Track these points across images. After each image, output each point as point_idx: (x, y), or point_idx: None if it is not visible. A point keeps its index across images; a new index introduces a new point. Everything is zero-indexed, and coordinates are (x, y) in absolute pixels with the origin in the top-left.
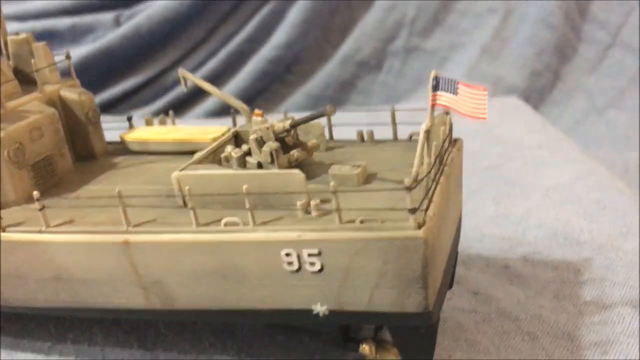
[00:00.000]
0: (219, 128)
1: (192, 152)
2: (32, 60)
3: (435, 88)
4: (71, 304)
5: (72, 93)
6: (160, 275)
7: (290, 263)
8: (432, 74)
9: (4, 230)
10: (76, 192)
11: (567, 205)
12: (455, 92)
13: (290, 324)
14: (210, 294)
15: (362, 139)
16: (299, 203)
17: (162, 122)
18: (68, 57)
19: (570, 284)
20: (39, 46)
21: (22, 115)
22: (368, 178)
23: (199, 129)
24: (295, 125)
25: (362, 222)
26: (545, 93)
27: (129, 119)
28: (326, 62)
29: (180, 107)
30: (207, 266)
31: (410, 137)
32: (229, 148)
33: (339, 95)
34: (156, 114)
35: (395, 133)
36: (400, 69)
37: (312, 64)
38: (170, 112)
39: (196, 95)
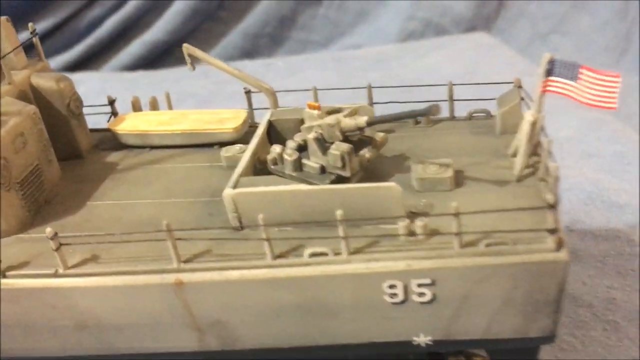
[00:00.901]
0: (233, 112)
1: (207, 145)
2: None
3: (549, 73)
4: (99, 351)
5: (47, 80)
6: (221, 315)
7: (393, 295)
8: (547, 57)
9: (4, 275)
10: (79, 212)
11: (590, 161)
12: (575, 78)
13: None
14: (286, 331)
15: (416, 121)
16: (401, 224)
17: (153, 106)
18: (34, 32)
19: (628, 257)
20: (1, 21)
21: None
22: (457, 178)
23: (208, 114)
24: (373, 124)
25: (488, 245)
26: (491, 21)
27: (111, 103)
28: None
29: (101, 55)
30: (285, 303)
31: (471, 115)
32: (276, 148)
33: (279, 32)
34: (72, 65)
35: (452, 111)
36: (342, 2)
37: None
38: (167, 94)
39: (116, 40)
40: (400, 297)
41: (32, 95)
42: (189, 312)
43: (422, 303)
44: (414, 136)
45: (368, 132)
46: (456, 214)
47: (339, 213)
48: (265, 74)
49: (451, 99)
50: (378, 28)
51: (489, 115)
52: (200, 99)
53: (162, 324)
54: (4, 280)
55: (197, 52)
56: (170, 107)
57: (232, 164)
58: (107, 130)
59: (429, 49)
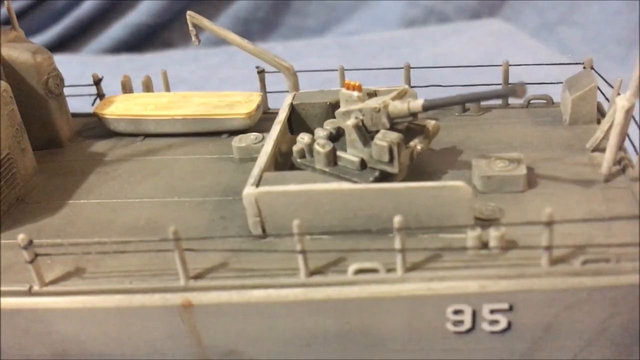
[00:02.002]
0: (244, 95)
1: (213, 133)
2: None
3: None
4: None
5: (21, 52)
6: (237, 345)
7: (458, 323)
8: None
9: None
10: (59, 213)
11: None
12: None
13: None
14: None
15: (464, 108)
16: (471, 234)
17: (147, 86)
18: None
19: None
20: None
21: None
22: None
23: (215, 97)
24: (432, 108)
25: (585, 262)
26: (496, 9)
27: (97, 83)
28: None
29: (80, 37)
30: (319, 330)
31: (529, 102)
32: (305, 137)
33: (272, 17)
34: (49, 47)
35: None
36: None
37: None
38: (163, 73)
39: (96, 21)
40: (467, 326)
41: (3, 69)
42: (197, 340)
43: (492, 333)
44: (463, 126)
45: (428, 121)
46: (549, 223)
47: (397, 220)
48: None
49: (506, 83)
50: (377, 14)
51: (550, 102)
52: (191, 86)
53: (162, 354)
54: None
55: (204, 22)
56: (167, 89)
57: (245, 156)
58: (93, 114)
59: (442, 35)
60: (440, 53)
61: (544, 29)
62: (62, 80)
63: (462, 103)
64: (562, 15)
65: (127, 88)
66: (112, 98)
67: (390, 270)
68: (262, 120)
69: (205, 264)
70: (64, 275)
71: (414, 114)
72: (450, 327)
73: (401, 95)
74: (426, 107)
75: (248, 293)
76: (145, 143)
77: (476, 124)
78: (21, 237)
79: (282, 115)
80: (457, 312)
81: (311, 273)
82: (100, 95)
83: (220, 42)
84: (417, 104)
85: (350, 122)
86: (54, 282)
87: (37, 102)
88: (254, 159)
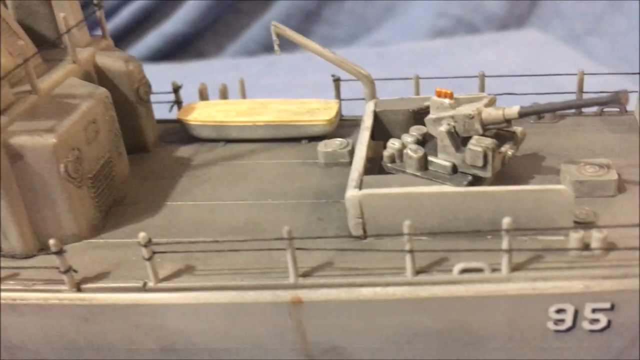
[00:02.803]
0: (322, 102)
1: (292, 139)
2: (61, 15)
3: None
4: None
5: (115, 60)
6: (340, 341)
7: (559, 321)
8: None
9: (78, 289)
10: (159, 214)
11: None
12: None
13: None
14: (415, 358)
15: (539, 116)
16: (574, 235)
17: (223, 94)
18: (98, 5)
19: None
20: None
21: (66, 104)
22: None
23: (294, 104)
24: (527, 115)
25: None
26: (523, 20)
27: (176, 90)
28: None
29: (118, 44)
30: (422, 327)
31: (602, 110)
32: (395, 143)
33: (303, 26)
34: None
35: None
36: None
37: None
38: (241, 81)
39: (131, 30)
40: (568, 324)
41: (97, 77)
42: (302, 336)
43: (592, 331)
44: (539, 133)
45: (517, 128)
46: None
47: (506, 221)
48: (304, 67)
49: (580, 91)
50: (406, 24)
51: (624, 111)
52: (236, 93)
53: (265, 349)
54: (79, 295)
55: (288, 32)
56: (243, 96)
57: (331, 160)
58: (174, 121)
59: (479, 45)
60: (479, 62)
61: (571, 39)
62: (150, 87)
63: (560, 110)
64: (589, 25)
65: (204, 95)
66: (192, 105)
67: (495, 270)
68: (337, 126)
69: (310, 263)
70: (175, 272)
71: (508, 121)
72: (551, 325)
73: (492, 103)
74: (522, 114)
75: (356, 291)
76: (227, 148)
77: (553, 131)
78: (142, 235)
79: (368, 122)
80: (559, 311)
81: (417, 272)
82: (177, 102)
83: (258, 51)
84: (512, 110)
85: (443, 128)
86: (166, 279)
87: (128, 108)
88: (340, 164)
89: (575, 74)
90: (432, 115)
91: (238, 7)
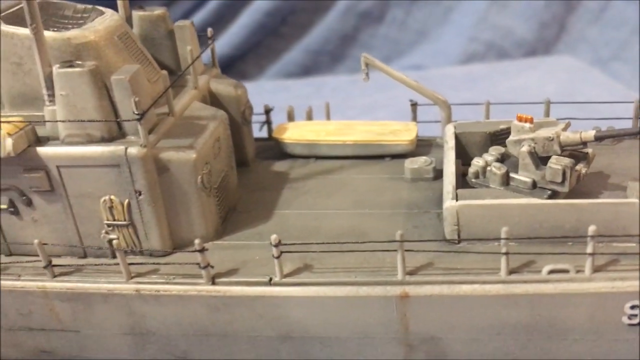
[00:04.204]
0: (401, 124)
1: (377, 156)
2: (188, 48)
3: None
4: None
5: (226, 86)
6: (438, 331)
7: (632, 316)
8: None
9: (213, 282)
10: (271, 221)
11: None
12: None
13: None
14: (502, 350)
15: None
16: None
17: (308, 115)
18: (212, 38)
19: None
20: (186, 25)
21: (196, 125)
22: None
23: (376, 126)
24: (602, 138)
25: None
26: (551, 45)
27: (268, 112)
28: (325, 13)
29: None
30: (512, 320)
31: None
32: (479, 161)
33: (339, 50)
34: None
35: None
36: (403, 20)
37: (309, 15)
38: (327, 104)
39: None
40: (639, 319)
41: (210, 100)
42: (404, 327)
43: None
44: (602, 154)
45: (588, 149)
46: None
47: (591, 229)
48: (352, 89)
49: (637, 117)
50: (438, 49)
51: None
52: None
53: (370, 338)
54: (214, 287)
55: (376, 62)
56: (328, 117)
57: (417, 176)
58: (265, 139)
59: (516, 69)
60: (516, 87)
61: (597, 64)
62: (252, 110)
63: (633, 134)
64: (615, 51)
65: (291, 116)
66: (284, 125)
67: (579, 271)
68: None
69: (413, 263)
70: (295, 270)
71: (584, 143)
72: (625, 320)
73: (567, 127)
74: (597, 137)
75: (457, 287)
76: (318, 164)
77: (613, 153)
78: (273, 237)
79: (451, 143)
80: (633, 307)
81: (510, 272)
82: (268, 122)
83: (298, 74)
84: (589, 134)
85: (525, 148)
86: (289, 275)
87: (235, 128)
88: (424, 179)
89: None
90: (513, 137)
91: (279, 32)
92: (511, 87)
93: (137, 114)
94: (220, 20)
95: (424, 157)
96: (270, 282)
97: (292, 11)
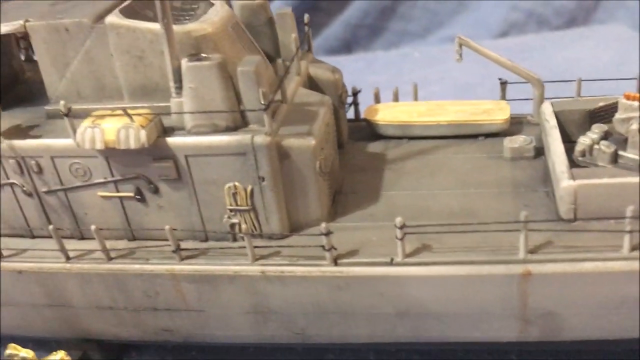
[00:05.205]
0: (493, 103)
1: (470, 136)
2: (293, 36)
3: None
4: (409, 339)
5: (324, 71)
6: (556, 307)
7: None
8: None
9: (335, 263)
10: (380, 202)
11: None
12: None
13: None
14: (619, 323)
15: None
16: None
17: (395, 96)
18: (308, 24)
19: None
20: (287, 13)
21: (309, 111)
22: None
23: (468, 105)
24: None
25: None
26: (590, 13)
27: (356, 94)
28: None
29: None
30: (630, 295)
31: None
32: (586, 140)
33: (378, 22)
34: None
35: None
36: None
37: None
38: (414, 85)
39: None
40: None
41: (309, 85)
42: (523, 303)
43: None
44: None
45: None
46: None
47: None
48: (402, 65)
49: None
50: (478, 18)
51: None
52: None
53: (487, 314)
54: (337, 268)
55: (471, 43)
56: (415, 98)
57: (516, 155)
58: (353, 120)
59: (570, 40)
60: (574, 58)
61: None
62: (347, 93)
63: None
64: None
65: (378, 97)
66: (373, 107)
67: None
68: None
69: (531, 242)
70: (414, 250)
71: None
72: None
73: None
74: None
75: (579, 265)
76: (411, 145)
77: None
78: (398, 220)
79: (552, 122)
80: None
81: (632, 248)
82: (355, 103)
83: (339, 49)
84: None
85: (635, 126)
86: (409, 255)
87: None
88: (524, 158)
89: None
90: (620, 115)
91: (318, 6)
92: (565, 59)
93: (264, 104)
94: None
95: (523, 136)
96: (391, 262)
97: None
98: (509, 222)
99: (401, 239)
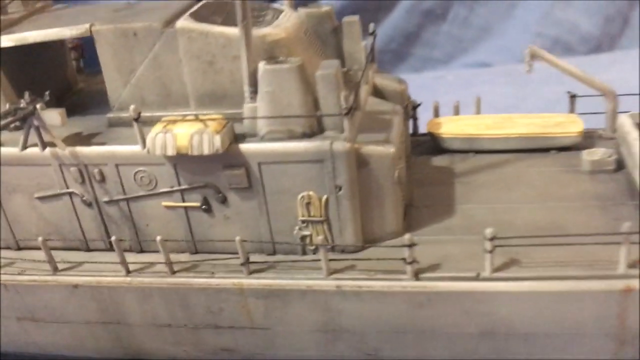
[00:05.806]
0: (563, 116)
1: (540, 150)
2: (363, 43)
3: None
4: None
5: (391, 81)
6: None
7: None
8: None
9: (416, 278)
10: (456, 216)
11: None
12: None
13: None
14: None
15: None
16: None
17: (456, 109)
18: (373, 33)
19: None
20: (355, 21)
21: (383, 119)
22: None
23: (538, 118)
24: None
25: None
26: (615, 40)
27: (416, 107)
28: (389, 12)
29: None
30: None
31: None
32: None
33: (403, 48)
34: None
35: None
36: (466, 18)
37: (373, 14)
38: (477, 98)
39: None
40: None
41: (375, 95)
42: (621, 321)
43: None
44: None
45: None
46: None
47: None
48: (436, 87)
49: None
50: (503, 45)
51: None
52: None
53: (579, 334)
54: (420, 283)
55: (545, 55)
56: (478, 112)
57: (596, 168)
58: (416, 135)
59: (597, 65)
60: (610, 81)
61: None
62: (412, 104)
63: None
64: None
65: (438, 111)
66: (436, 120)
67: None
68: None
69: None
70: (502, 265)
71: None
72: None
73: None
74: None
75: None
76: (478, 158)
77: None
78: (488, 232)
79: (635, 134)
80: None
81: None
82: (414, 117)
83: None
84: None
85: None
86: (497, 269)
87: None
88: (604, 171)
89: None
90: None
91: None
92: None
93: (345, 108)
94: None
95: (603, 149)
96: (477, 277)
97: (357, 10)
98: (609, 234)
99: (490, 252)
